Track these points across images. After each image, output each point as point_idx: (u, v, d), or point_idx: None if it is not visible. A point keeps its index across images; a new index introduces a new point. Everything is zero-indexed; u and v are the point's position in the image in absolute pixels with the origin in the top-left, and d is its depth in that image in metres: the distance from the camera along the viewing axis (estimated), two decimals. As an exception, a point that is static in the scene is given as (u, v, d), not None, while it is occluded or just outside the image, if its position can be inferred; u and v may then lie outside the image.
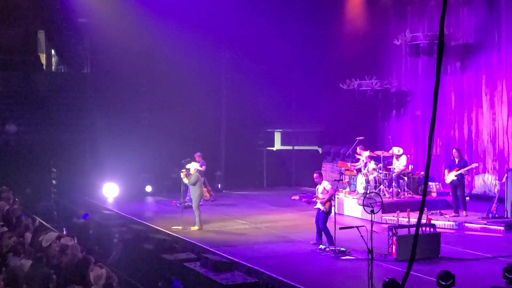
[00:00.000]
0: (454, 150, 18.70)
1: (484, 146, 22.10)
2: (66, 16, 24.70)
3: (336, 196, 16.82)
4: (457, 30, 22.80)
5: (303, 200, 22.96)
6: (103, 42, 24.69)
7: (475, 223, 17.45)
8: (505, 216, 17.78)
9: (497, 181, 20.81)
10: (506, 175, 18.29)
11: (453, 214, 18.30)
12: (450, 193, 18.88)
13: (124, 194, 23.57)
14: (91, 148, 24.66)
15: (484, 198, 20.71)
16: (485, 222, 17.37)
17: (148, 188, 24.69)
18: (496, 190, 20.12)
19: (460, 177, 18.13)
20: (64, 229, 16.34)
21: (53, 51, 26.57)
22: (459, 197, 18.21)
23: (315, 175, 15.78)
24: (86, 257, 11.79)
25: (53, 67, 26.86)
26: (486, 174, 21.94)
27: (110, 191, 23.64)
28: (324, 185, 15.35)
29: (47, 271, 11.49)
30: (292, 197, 24.13)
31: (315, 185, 16.18)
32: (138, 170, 24.45)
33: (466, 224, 17.47)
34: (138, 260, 16.46)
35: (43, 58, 26.44)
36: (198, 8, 24.67)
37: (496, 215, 17.73)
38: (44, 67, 26.38)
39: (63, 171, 24.23)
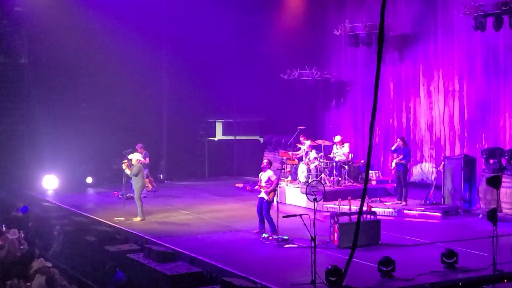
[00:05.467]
0: (398, 139, 19.06)
1: (422, 135, 22.62)
2: (2, 5, 24.10)
3: (278, 185, 16.97)
4: (395, 21, 23.22)
5: (247, 188, 23.20)
6: (41, 31, 24.20)
7: (413, 209, 17.88)
8: (442, 203, 18.29)
9: (434, 169, 21.33)
10: (442, 162, 18.80)
11: (396, 201, 18.68)
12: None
13: (64, 185, 23.26)
14: (29, 139, 24.21)
15: (422, 186, 21.20)
16: (423, 208, 17.83)
17: (89, 180, 24.41)
18: (433, 177, 20.63)
19: (401, 165, 18.48)
20: (3, 225, 16.00)
21: (-12, 41, 25.91)
22: (402, 185, 18.56)
23: (265, 161, 15.82)
24: (29, 250, 11.65)
25: (-12, 57, 26.21)
26: (424, 162, 22.47)
27: (50, 183, 23.30)
28: (269, 175, 15.43)
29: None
30: (236, 185, 24.39)
31: (257, 174, 16.26)
32: (78, 161, 24.14)
33: (405, 211, 17.88)
34: (81, 252, 16.30)
35: (-22, 47, 25.78)
36: (137, -1, 24.45)
37: (434, 202, 18.22)
38: (-21, 57, 25.73)
39: (1, 162, 23.71)
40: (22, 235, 14.03)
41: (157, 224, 17.23)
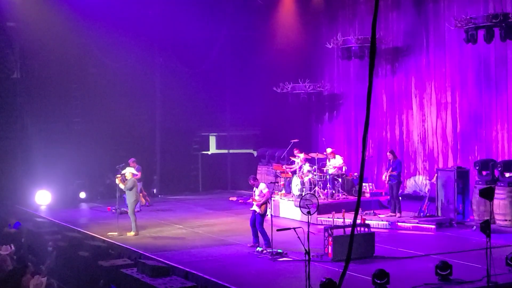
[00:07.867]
0: (388, 153, 19.11)
1: (415, 147, 22.65)
2: (-6, 20, 24.12)
3: (272, 198, 16.95)
4: (387, 34, 23.31)
5: (240, 201, 23.19)
6: (33, 46, 24.18)
7: (407, 222, 17.86)
8: (436, 215, 18.29)
9: (427, 181, 21.35)
10: (436, 174, 18.81)
11: (390, 214, 18.68)
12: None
13: (57, 201, 23.17)
14: (22, 154, 24.13)
15: (415, 198, 21.21)
16: (417, 221, 17.81)
17: (82, 195, 24.32)
18: (426, 189, 20.66)
19: (393, 178, 18.49)
20: None
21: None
22: (394, 198, 18.56)
23: (250, 179, 15.86)
24: (20, 267, 11.59)
25: (-20, 72, 26.15)
26: (417, 175, 22.48)
27: (43, 198, 23.20)
28: (261, 188, 15.45)
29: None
30: (230, 198, 24.38)
31: (250, 188, 16.26)
32: (71, 176, 24.04)
33: (398, 223, 17.87)
34: (74, 268, 16.21)
35: (-30, 63, 25.73)
36: (130, 12, 24.44)
37: (427, 214, 18.21)
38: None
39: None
40: (14, 250, 13.96)
41: (151, 239, 17.17)
